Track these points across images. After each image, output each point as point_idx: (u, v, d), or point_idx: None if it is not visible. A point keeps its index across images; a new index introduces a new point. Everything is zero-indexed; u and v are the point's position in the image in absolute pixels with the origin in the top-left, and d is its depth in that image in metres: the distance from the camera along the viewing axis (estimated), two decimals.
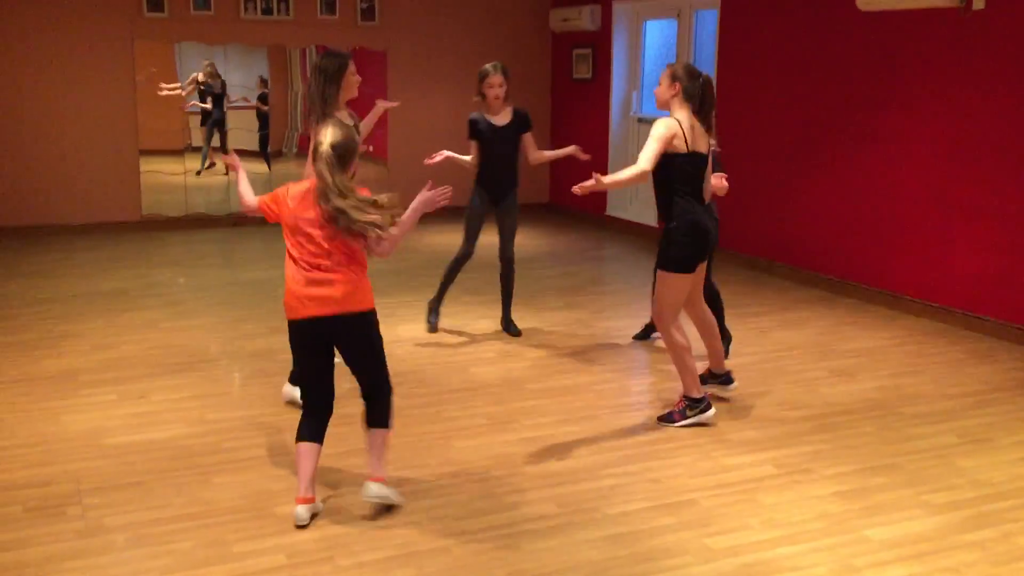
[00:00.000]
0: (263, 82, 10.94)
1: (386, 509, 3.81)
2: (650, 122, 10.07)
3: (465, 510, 3.84)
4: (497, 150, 6.20)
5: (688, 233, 4.60)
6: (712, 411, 4.78)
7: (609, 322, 6.75)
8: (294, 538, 3.59)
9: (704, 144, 4.65)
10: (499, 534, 3.64)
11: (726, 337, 5.97)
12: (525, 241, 9.77)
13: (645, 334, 6.29)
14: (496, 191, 6.26)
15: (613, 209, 10.72)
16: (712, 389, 5.12)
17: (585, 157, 6.12)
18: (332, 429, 3.90)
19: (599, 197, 10.79)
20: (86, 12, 9.56)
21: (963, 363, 5.90)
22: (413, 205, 3.83)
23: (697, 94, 4.63)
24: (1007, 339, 6.35)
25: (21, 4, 9.33)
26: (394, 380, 5.31)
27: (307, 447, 3.76)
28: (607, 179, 4.49)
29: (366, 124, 5.38)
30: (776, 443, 4.58)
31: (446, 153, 6.21)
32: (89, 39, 9.61)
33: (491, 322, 6.65)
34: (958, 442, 4.63)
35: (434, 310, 6.50)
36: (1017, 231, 6.32)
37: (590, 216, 10.99)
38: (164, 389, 5.21)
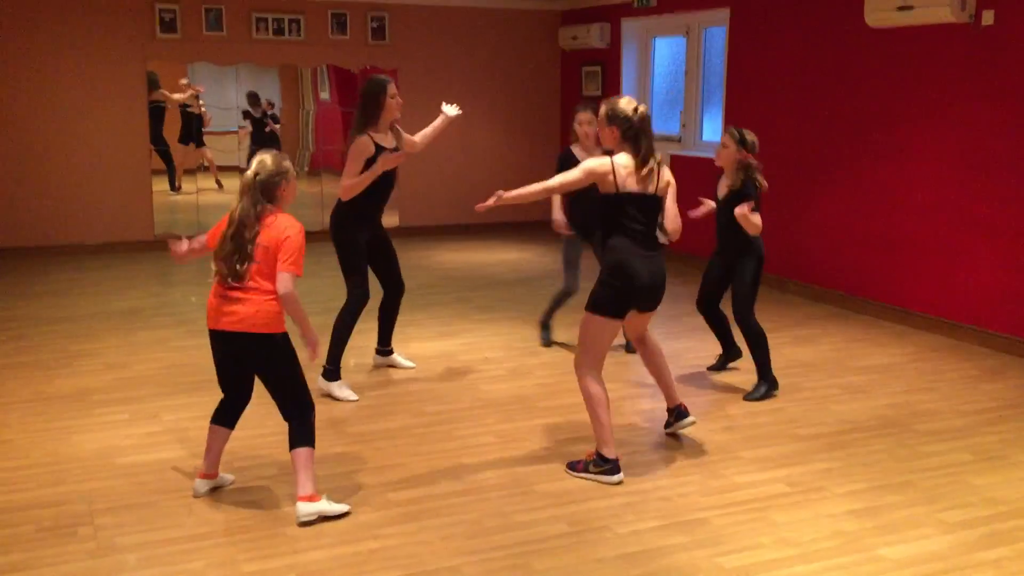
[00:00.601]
0: (267, 103, 10.98)
1: (360, 512, 3.90)
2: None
3: (476, 529, 3.83)
4: (585, 189, 6.13)
5: (613, 275, 4.32)
6: (617, 476, 4.29)
7: (618, 340, 6.73)
8: (305, 557, 3.59)
9: (646, 184, 4.31)
10: (510, 553, 3.63)
11: (734, 351, 5.97)
12: (531, 258, 9.79)
13: (720, 365, 6.06)
14: (587, 229, 6.22)
15: None
16: (675, 427, 4.84)
17: None
18: (343, 448, 3.91)
19: None
20: (99, 33, 9.65)
21: (976, 379, 5.87)
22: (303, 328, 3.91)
23: (641, 136, 4.33)
24: (1020, 355, 6.32)
25: (36, 26, 9.43)
26: (406, 398, 5.35)
27: (217, 430, 4.09)
28: (511, 194, 4.37)
29: (424, 135, 5.76)
30: (788, 461, 4.56)
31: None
32: (102, 60, 9.70)
33: (502, 339, 6.66)
34: (972, 459, 4.60)
35: (544, 327, 6.62)
36: None
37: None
38: (177, 408, 5.23)
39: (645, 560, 3.59)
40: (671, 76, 10.19)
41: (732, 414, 5.23)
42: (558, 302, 6.57)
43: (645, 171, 4.31)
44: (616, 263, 4.33)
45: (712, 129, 9.54)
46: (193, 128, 10.84)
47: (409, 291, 8.14)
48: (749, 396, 5.48)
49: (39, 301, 7.71)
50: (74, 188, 9.78)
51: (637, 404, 5.44)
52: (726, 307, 5.80)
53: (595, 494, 4.16)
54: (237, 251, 3.78)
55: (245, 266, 3.78)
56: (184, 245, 4.17)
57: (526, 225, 11.60)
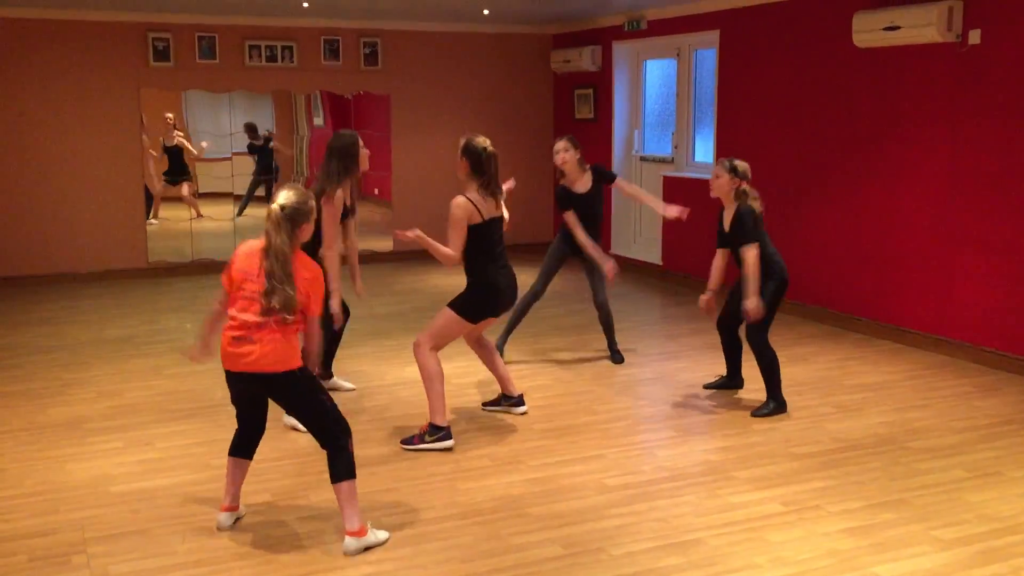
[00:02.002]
0: (266, 132, 11.03)
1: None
2: (652, 161, 10.17)
3: (471, 552, 3.82)
4: (584, 212, 6.50)
5: (483, 291, 5.05)
6: (450, 442, 4.95)
7: (603, 352, 6.73)
8: None
9: (494, 208, 5.04)
10: None
11: (737, 380, 5.98)
12: (529, 280, 9.79)
13: (718, 386, 6.07)
14: (573, 245, 6.55)
15: (617, 248, 10.74)
16: (507, 409, 5.51)
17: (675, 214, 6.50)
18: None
19: (604, 236, 10.80)
20: (93, 62, 9.70)
21: (970, 396, 5.88)
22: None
23: (483, 168, 4.96)
24: (1014, 371, 6.33)
25: (29, 54, 9.47)
26: (399, 422, 5.34)
27: (237, 462, 4.07)
28: (427, 240, 4.85)
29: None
30: (783, 480, 4.56)
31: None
32: (96, 89, 9.74)
33: None
34: (966, 476, 4.60)
35: (499, 345, 6.66)
36: (1021, 262, 6.32)
37: (585, 269, 10.98)
38: (170, 435, 5.22)
39: None
40: (662, 98, 10.25)
41: (726, 434, 5.23)
42: (522, 309, 6.69)
43: (491, 199, 5.00)
44: (488, 283, 5.06)
45: (704, 150, 9.59)
46: (177, 163, 10.85)
47: (404, 315, 8.18)
48: (757, 412, 5.51)
49: (32, 330, 7.71)
50: (68, 216, 9.79)
51: (632, 426, 5.43)
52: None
53: (590, 516, 4.16)
54: (285, 282, 3.67)
55: (291, 306, 3.69)
56: (199, 346, 4.10)
57: (519, 247, 11.63)
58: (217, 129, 10.89)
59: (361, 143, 5.50)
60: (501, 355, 6.48)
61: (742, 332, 5.71)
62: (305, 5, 9.17)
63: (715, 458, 4.88)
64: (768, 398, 5.55)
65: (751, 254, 5.35)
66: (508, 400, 5.55)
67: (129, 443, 5.10)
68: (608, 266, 6.32)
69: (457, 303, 5.07)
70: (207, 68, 10.09)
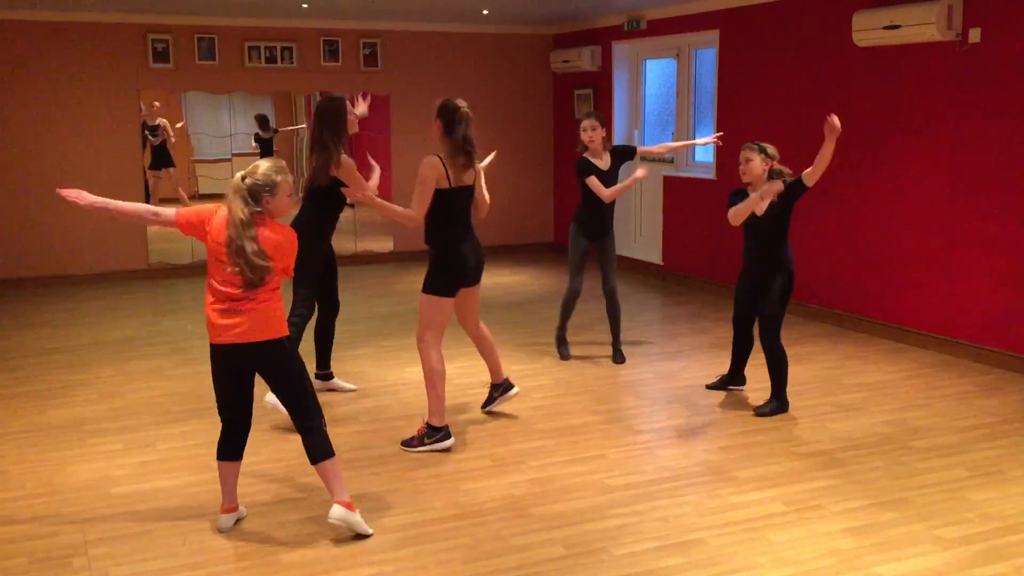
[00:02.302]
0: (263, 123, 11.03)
1: (356, 536, 3.90)
2: (652, 161, 10.13)
3: (472, 553, 3.82)
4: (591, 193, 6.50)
5: (446, 260, 4.91)
6: (449, 442, 4.92)
7: (604, 352, 6.73)
8: None
9: (468, 177, 4.91)
10: None
11: (738, 379, 5.97)
12: (530, 280, 9.80)
13: (719, 385, 6.04)
14: (595, 231, 6.63)
15: (618, 247, 10.71)
16: (499, 401, 5.50)
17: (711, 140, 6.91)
18: (348, 472, 3.89)
19: None
20: (92, 64, 9.69)
21: (971, 395, 5.87)
22: None
23: (457, 128, 4.80)
24: (1015, 370, 6.32)
25: (29, 55, 9.47)
26: (400, 423, 5.34)
27: (227, 465, 4.02)
28: (382, 202, 4.85)
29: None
30: (785, 479, 4.55)
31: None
32: (96, 90, 9.74)
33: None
34: (968, 475, 4.60)
35: (562, 342, 6.83)
36: (1022, 261, 6.31)
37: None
38: (171, 437, 5.21)
39: None
40: (662, 98, 10.24)
41: (728, 434, 5.22)
42: (567, 307, 6.81)
43: (463, 161, 4.82)
44: (446, 250, 4.91)
45: (704, 150, 9.58)
46: (160, 151, 10.83)
47: (405, 316, 8.17)
48: (759, 410, 5.51)
49: (33, 332, 7.71)
50: (68, 218, 9.77)
51: (633, 426, 5.42)
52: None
53: (592, 516, 4.15)
54: (240, 254, 3.71)
55: (265, 267, 3.72)
56: (87, 197, 4.13)
57: (521, 248, 11.63)
58: (217, 130, 10.90)
59: (349, 106, 5.45)
60: (568, 355, 6.77)
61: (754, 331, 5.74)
62: (304, 6, 9.17)
63: (716, 458, 4.87)
64: (772, 396, 5.55)
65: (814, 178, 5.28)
66: (497, 389, 5.49)
67: (130, 444, 5.10)
68: (640, 173, 6.19)
69: (427, 283, 4.96)
70: (207, 69, 10.09)
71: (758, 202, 5.30)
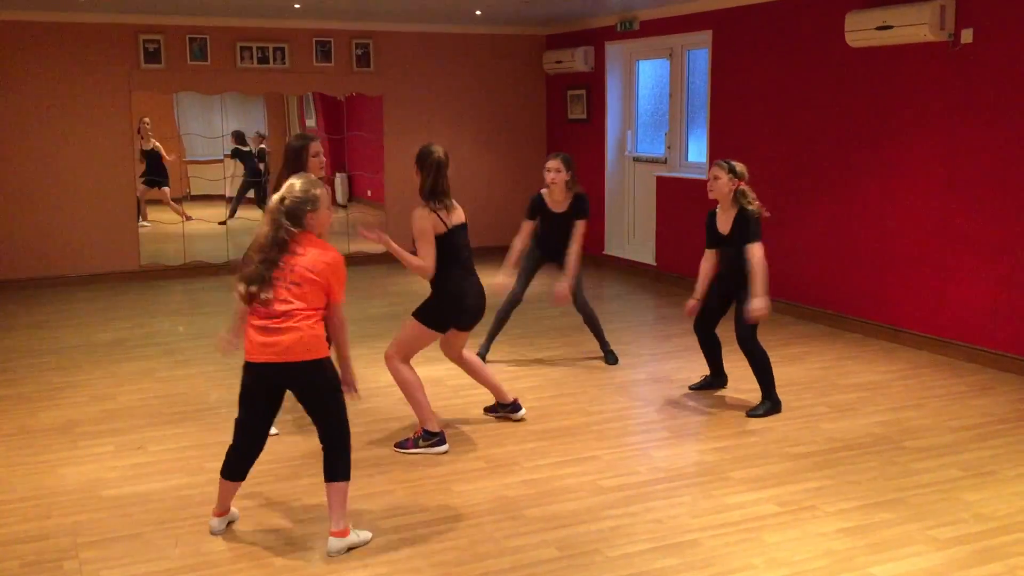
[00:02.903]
0: (258, 136, 11.00)
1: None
2: (645, 161, 10.16)
3: (466, 555, 3.80)
4: (554, 229, 6.51)
5: (448, 300, 4.94)
6: (444, 447, 4.93)
7: (595, 352, 6.72)
8: None
9: (459, 215, 4.94)
10: None
11: (721, 379, 5.99)
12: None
13: (702, 386, 6.05)
14: (554, 254, 6.59)
15: (611, 248, 10.74)
16: (506, 416, 5.44)
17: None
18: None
19: (598, 237, 10.81)
20: (84, 64, 9.65)
21: (965, 395, 5.87)
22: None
23: (432, 174, 4.87)
24: (1009, 370, 6.33)
25: (20, 56, 9.43)
26: (393, 424, 5.32)
27: (230, 485, 3.98)
28: (392, 246, 4.80)
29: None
30: (778, 480, 4.55)
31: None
32: (87, 91, 9.69)
33: (490, 365, 6.63)
34: (962, 475, 4.59)
35: (481, 354, 6.64)
36: (1016, 262, 6.32)
37: (588, 256, 10.98)
38: (163, 439, 5.19)
39: None
40: (655, 98, 10.24)
41: (721, 434, 5.22)
42: (500, 316, 6.73)
43: (448, 203, 4.88)
44: (453, 293, 4.93)
45: (697, 150, 9.58)
46: (156, 166, 10.82)
47: (398, 318, 8.11)
48: (752, 412, 5.50)
49: (23, 333, 7.67)
50: (59, 219, 9.74)
51: (626, 427, 5.41)
52: (723, 330, 5.80)
53: (585, 518, 4.14)
54: (259, 276, 3.70)
55: (269, 291, 3.70)
56: (230, 336, 4.08)
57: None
58: (209, 131, 10.87)
59: (313, 150, 5.23)
60: (484, 362, 6.50)
61: (719, 331, 5.80)
62: (297, 6, 9.14)
63: (710, 459, 4.86)
64: (763, 398, 5.55)
65: (759, 253, 5.34)
66: (504, 408, 5.48)
67: (121, 447, 5.07)
68: (558, 290, 6.36)
69: (421, 312, 4.98)
70: (198, 70, 10.05)
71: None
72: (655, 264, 9.96)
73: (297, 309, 3.72)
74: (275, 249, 3.71)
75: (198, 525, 4.08)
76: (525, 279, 6.70)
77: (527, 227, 6.51)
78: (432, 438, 4.93)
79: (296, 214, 3.74)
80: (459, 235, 4.93)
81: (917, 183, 6.97)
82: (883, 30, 6.79)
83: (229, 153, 11.04)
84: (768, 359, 5.55)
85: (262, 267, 3.71)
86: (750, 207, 5.45)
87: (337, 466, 3.83)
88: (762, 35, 8.30)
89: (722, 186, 5.49)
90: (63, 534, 4.01)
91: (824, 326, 7.72)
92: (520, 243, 6.52)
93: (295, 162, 5.17)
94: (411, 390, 4.97)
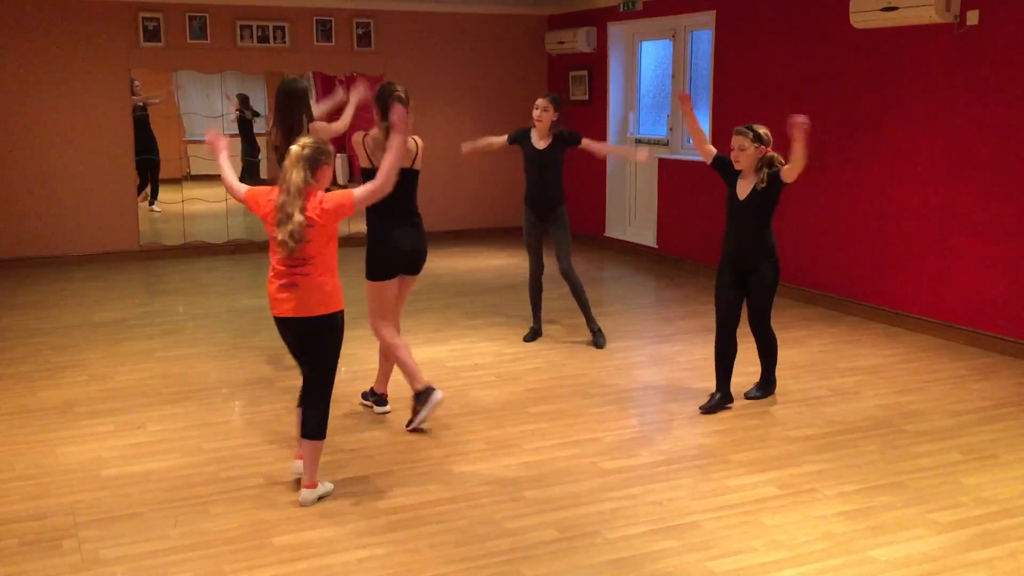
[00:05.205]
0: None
1: (349, 519, 3.97)
2: (648, 143, 10.11)
3: (465, 536, 3.80)
4: (537, 170, 6.54)
5: (376, 244, 4.96)
6: (439, 394, 4.91)
7: (609, 344, 6.71)
8: (292, 568, 3.55)
9: (406, 159, 4.84)
10: (499, 560, 3.60)
11: (729, 396, 5.38)
12: (518, 263, 9.75)
13: (717, 405, 5.35)
14: (541, 209, 6.55)
15: (612, 230, 10.71)
16: (423, 415, 4.94)
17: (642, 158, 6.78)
18: (331, 456, 3.86)
19: (598, 218, 10.79)
20: (82, 43, 9.59)
21: (966, 379, 5.86)
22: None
23: (382, 108, 4.81)
24: (1010, 354, 6.32)
25: (17, 34, 9.37)
26: (393, 405, 5.31)
27: (301, 412, 4.18)
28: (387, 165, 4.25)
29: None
30: (779, 463, 4.54)
31: (478, 144, 6.59)
32: (86, 70, 9.64)
33: (491, 345, 6.63)
34: (963, 459, 4.59)
35: (536, 329, 6.79)
36: (1018, 245, 6.30)
37: (589, 237, 10.98)
38: (162, 419, 5.18)
39: (636, 565, 3.57)
40: (658, 79, 10.19)
41: (722, 417, 5.21)
42: (534, 288, 6.74)
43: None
44: (378, 238, 4.94)
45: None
46: (144, 135, 10.70)
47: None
48: (750, 394, 5.47)
49: (22, 313, 7.65)
50: (58, 199, 9.71)
51: (627, 409, 5.40)
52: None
53: (585, 500, 4.13)
54: (288, 219, 3.84)
55: (300, 235, 3.85)
56: (221, 141, 4.24)
57: (513, 231, 11.57)
58: (209, 110, 10.82)
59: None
60: (540, 333, 6.78)
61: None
62: None
63: (711, 441, 4.86)
64: (764, 381, 5.52)
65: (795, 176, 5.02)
66: (373, 396, 5.32)
67: (120, 426, 5.06)
68: (641, 155, 6.72)
69: (367, 270, 5.02)
70: (198, 48, 9.99)
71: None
72: (656, 246, 9.94)
73: (309, 265, 3.93)
74: (301, 197, 3.87)
75: (197, 505, 4.08)
76: (535, 254, 6.68)
77: (502, 140, 6.64)
78: (423, 396, 4.90)
79: (315, 162, 3.92)
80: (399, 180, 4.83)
81: (920, 165, 6.93)
82: (888, 11, 6.73)
83: (235, 119, 10.92)
84: (777, 345, 5.49)
85: (291, 212, 3.84)
86: (773, 176, 5.05)
87: (312, 423, 4.07)
88: (766, 16, 8.24)
89: (748, 156, 5.07)
90: (62, 513, 4.01)
91: (825, 309, 7.70)
92: (489, 141, 6.64)
93: (302, 105, 5.36)
94: (393, 351, 4.99)
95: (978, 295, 6.58)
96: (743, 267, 5.26)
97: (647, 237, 10.14)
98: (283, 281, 3.95)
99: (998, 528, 3.86)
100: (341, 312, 4.07)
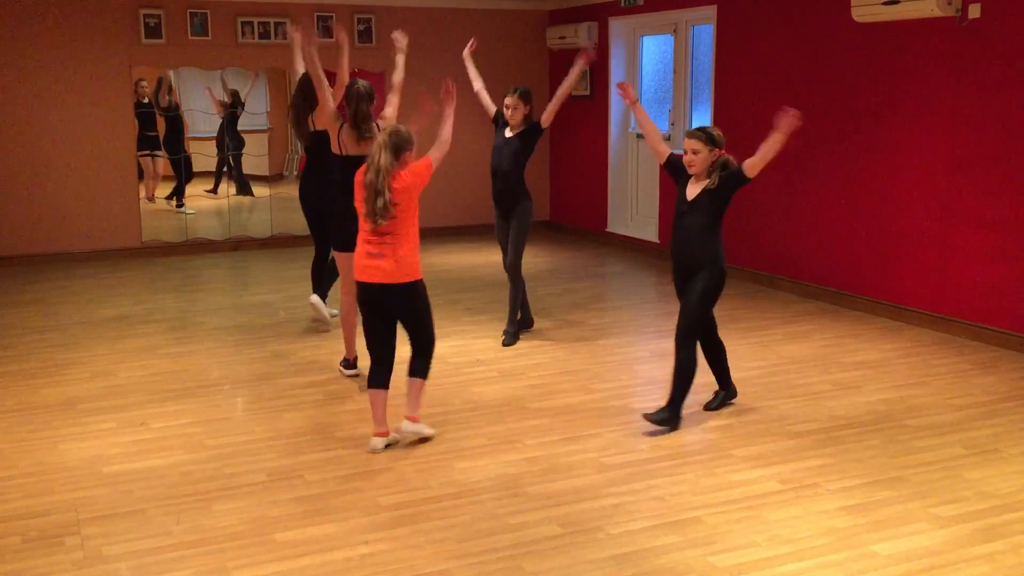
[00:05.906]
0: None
1: (350, 514, 3.98)
2: None
3: (467, 532, 3.80)
4: (497, 160, 6.66)
5: (339, 221, 5.61)
6: (352, 371, 5.78)
7: (611, 339, 6.71)
8: (294, 564, 3.56)
9: (353, 148, 5.54)
10: (502, 556, 3.60)
11: (732, 389, 5.36)
12: (527, 259, 9.75)
13: (720, 402, 5.32)
14: (503, 205, 6.62)
15: (614, 226, 10.71)
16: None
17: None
18: (332, 452, 3.87)
19: (601, 214, 10.78)
20: (84, 39, 9.59)
21: (968, 373, 5.86)
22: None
23: (351, 101, 5.61)
24: (1012, 348, 6.31)
25: (19, 31, 9.37)
26: (396, 401, 5.32)
27: (377, 392, 4.65)
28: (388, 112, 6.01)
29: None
30: (781, 458, 4.54)
31: (471, 68, 7.35)
32: (87, 66, 9.63)
33: (492, 341, 6.63)
34: (965, 453, 4.59)
35: (513, 327, 6.74)
36: (1021, 239, 6.29)
37: (591, 233, 10.97)
38: (164, 415, 5.19)
39: (638, 560, 3.57)
40: (659, 74, 10.17)
41: (723, 412, 5.21)
42: (515, 285, 6.69)
43: (355, 134, 5.55)
44: (342, 212, 5.44)
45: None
46: (149, 127, 10.64)
47: None
48: (650, 416, 4.94)
49: (25, 310, 7.66)
50: (60, 196, 9.71)
51: (629, 404, 5.40)
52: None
53: (587, 495, 4.14)
54: (378, 195, 4.35)
55: (388, 208, 4.36)
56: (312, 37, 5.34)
57: None
58: (210, 107, 10.80)
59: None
60: (531, 325, 6.91)
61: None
62: None
63: (713, 436, 4.86)
64: (668, 404, 4.95)
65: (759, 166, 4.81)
66: (345, 362, 5.90)
67: (123, 423, 5.07)
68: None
69: (337, 241, 5.73)
70: (199, 45, 9.98)
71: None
72: (658, 241, 9.93)
73: (392, 239, 4.44)
74: (389, 175, 4.38)
75: (199, 501, 4.08)
76: (505, 251, 6.69)
77: (487, 98, 7.07)
78: (347, 365, 5.80)
79: (399, 149, 4.44)
80: (353, 164, 5.16)
81: (922, 160, 6.92)
82: (890, 5, 6.72)
83: (225, 114, 10.82)
84: (695, 371, 4.96)
85: (380, 189, 4.36)
86: (727, 176, 4.87)
87: (420, 366, 4.69)
88: (767, 10, 8.23)
89: (703, 160, 4.89)
90: (65, 510, 4.01)
91: (827, 304, 7.70)
92: (478, 75, 7.25)
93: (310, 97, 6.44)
94: (345, 316, 5.77)
95: (980, 289, 6.57)
96: (686, 272, 4.99)
97: (649, 232, 10.13)
98: (373, 250, 4.48)
99: (1000, 522, 3.85)
100: (421, 280, 4.59)
